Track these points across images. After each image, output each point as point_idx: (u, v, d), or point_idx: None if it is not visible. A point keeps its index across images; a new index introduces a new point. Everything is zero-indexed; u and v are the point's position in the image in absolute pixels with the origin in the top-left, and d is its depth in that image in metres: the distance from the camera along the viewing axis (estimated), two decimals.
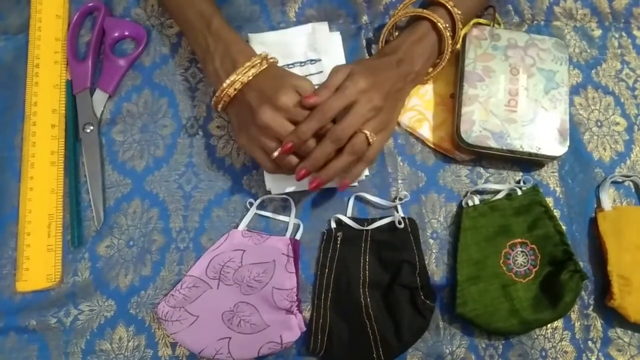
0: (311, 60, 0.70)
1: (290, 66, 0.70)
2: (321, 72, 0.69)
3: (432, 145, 0.69)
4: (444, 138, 0.69)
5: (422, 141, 0.69)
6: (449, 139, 0.69)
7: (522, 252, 0.64)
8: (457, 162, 0.69)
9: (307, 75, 0.69)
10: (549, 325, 0.64)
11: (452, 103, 0.70)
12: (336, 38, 0.72)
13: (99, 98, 0.70)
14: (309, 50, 0.70)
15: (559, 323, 0.64)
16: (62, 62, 0.71)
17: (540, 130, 0.66)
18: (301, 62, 0.70)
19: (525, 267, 0.64)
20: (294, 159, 0.59)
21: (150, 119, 0.70)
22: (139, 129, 0.69)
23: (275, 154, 0.58)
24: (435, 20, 0.64)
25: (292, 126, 0.57)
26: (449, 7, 0.64)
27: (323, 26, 0.72)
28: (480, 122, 0.65)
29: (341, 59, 0.71)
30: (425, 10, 0.65)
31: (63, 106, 0.69)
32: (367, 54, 0.73)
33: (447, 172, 0.69)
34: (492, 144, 0.65)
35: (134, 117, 0.70)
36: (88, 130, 0.68)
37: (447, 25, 0.65)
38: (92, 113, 0.69)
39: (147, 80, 0.71)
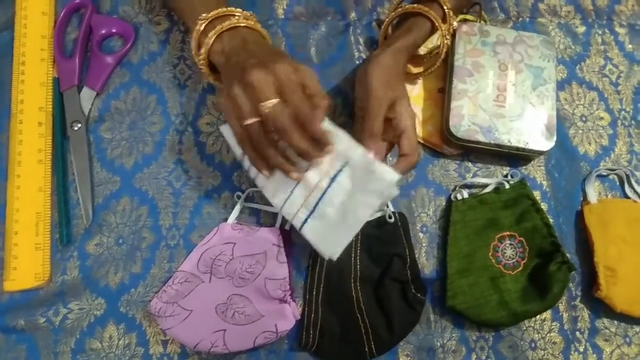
0: None
1: None
2: None
3: (420, 140, 0.70)
4: (432, 132, 0.69)
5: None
6: (437, 133, 0.69)
7: (510, 244, 0.65)
8: (446, 157, 0.70)
9: None
10: (537, 317, 0.65)
11: (440, 98, 0.71)
12: None
13: (87, 95, 0.69)
14: None
15: (547, 314, 0.65)
16: (49, 60, 0.70)
17: (528, 125, 0.67)
18: None
19: (514, 260, 0.65)
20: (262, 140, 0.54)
21: (139, 116, 0.69)
22: (127, 126, 0.69)
23: (249, 121, 0.53)
24: (438, 25, 0.64)
25: (275, 96, 0.52)
26: (446, 9, 0.65)
27: None
28: (469, 117, 0.66)
29: None
30: (431, 12, 0.64)
31: (50, 104, 0.69)
32: (355, 51, 0.73)
33: (436, 166, 0.70)
34: (481, 138, 0.66)
35: (122, 114, 0.69)
36: (76, 128, 0.68)
37: (447, 34, 0.65)
38: (80, 110, 0.68)
39: (135, 78, 0.71)
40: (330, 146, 0.54)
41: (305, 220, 0.58)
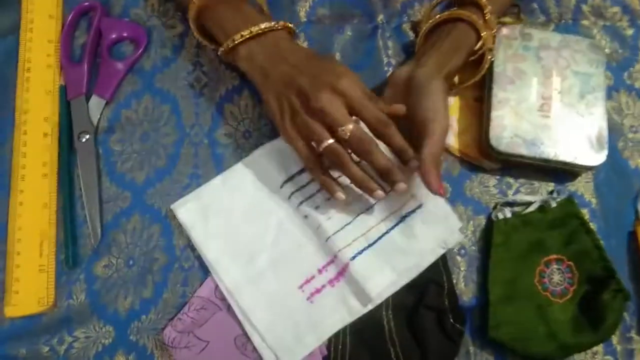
0: None
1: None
2: None
3: (457, 153, 0.64)
4: (470, 145, 0.64)
5: (446, 149, 0.64)
6: (475, 145, 0.64)
7: (558, 269, 0.60)
8: (485, 172, 0.64)
9: None
10: (588, 350, 0.59)
11: (477, 107, 0.65)
12: None
13: (96, 104, 0.65)
14: None
15: (599, 347, 0.59)
16: (56, 66, 0.66)
17: (576, 137, 0.61)
18: None
19: (562, 286, 0.59)
20: (346, 158, 0.54)
21: (151, 127, 0.65)
22: (138, 137, 0.64)
23: (326, 143, 0.53)
24: (484, 38, 0.59)
25: (350, 119, 0.52)
26: (488, 17, 0.59)
27: None
28: (512, 128, 0.60)
29: None
30: (473, 16, 0.59)
31: (56, 114, 0.65)
32: (384, 56, 0.68)
33: (474, 182, 0.64)
34: (524, 151, 0.60)
35: (134, 125, 0.65)
36: (83, 140, 0.63)
37: (491, 44, 0.60)
38: (88, 121, 0.64)
39: (148, 85, 0.66)
40: (413, 161, 0.54)
41: (361, 251, 0.56)
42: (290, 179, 0.60)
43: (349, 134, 0.52)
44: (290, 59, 0.55)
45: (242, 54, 0.57)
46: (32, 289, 0.58)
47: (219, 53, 0.59)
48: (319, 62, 0.55)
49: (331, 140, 0.52)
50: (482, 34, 0.59)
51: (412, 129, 0.57)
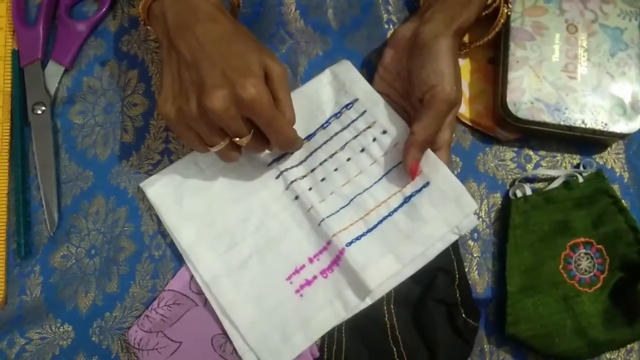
0: (347, 105, 0.55)
1: (326, 125, 0.55)
2: (364, 111, 0.54)
3: (468, 122, 0.58)
4: (483, 113, 0.57)
5: (456, 117, 0.57)
6: (489, 113, 0.57)
7: (586, 254, 0.54)
8: (500, 143, 0.58)
9: (349, 124, 0.54)
10: (621, 348, 0.53)
11: (491, 70, 0.58)
12: (351, 67, 0.56)
13: (53, 71, 0.59)
14: (339, 96, 0.56)
15: (635, 344, 0.53)
16: (8, 29, 0.61)
17: (606, 101, 0.54)
18: (336, 114, 0.55)
19: (591, 274, 0.53)
20: (236, 155, 0.48)
21: (117, 97, 0.59)
22: (102, 108, 0.58)
23: (217, 148, 0.47)
24: None
25: (243, 126, 0.45)
26: None
27: (343, 65, 0.56)
28: (532, 92, 0.53)
29: (367, 86, 0.55)
30: None
31: (8, 82, 0.59)
32: (383, 12, 0.60)
33: (488, 155, 0.58)
34: (547, 118, 0.53)
35: (97, 94, 0.59)
36: (39, 112, 0.58)
37: None
38: (44, 90, 0.59)
39: (113, 49, 0.60)
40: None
41: (359, 237, 0.50)
42: (280, 157, 0.54)
43: (245, 143, 0.46)
44: (200, 34, 0.45)
45: (155, 11, 0.48)
46: None
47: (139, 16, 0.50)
48: (231, 48, 0.45)
49: (223, 144, 0.46)
50: None
51: (412, 97, 0.51)
